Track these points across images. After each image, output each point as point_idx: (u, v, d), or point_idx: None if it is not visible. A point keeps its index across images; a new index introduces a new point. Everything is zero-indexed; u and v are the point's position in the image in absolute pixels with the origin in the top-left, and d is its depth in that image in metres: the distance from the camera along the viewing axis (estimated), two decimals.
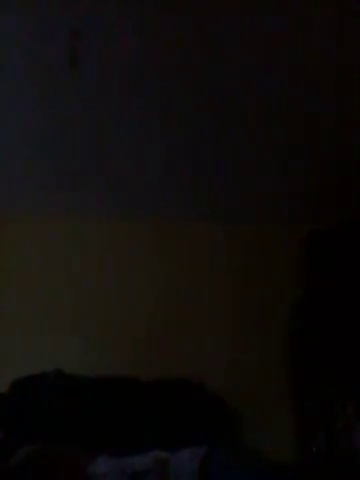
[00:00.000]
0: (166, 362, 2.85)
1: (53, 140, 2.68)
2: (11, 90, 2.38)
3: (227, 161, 2.87)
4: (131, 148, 2.75)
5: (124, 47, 2.16)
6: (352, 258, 2.93)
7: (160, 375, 2.68)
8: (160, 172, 2.95)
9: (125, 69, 2.27)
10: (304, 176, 2.98)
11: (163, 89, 2.38)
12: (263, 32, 2.11)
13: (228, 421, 2.72)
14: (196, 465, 1.64)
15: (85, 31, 2.04)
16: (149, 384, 2.66)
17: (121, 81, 2.33)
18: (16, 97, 2.42)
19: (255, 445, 2.37)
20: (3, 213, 3.18)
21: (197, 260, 3.25)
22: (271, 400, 2.86)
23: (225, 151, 2.80)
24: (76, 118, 2.54)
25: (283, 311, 2.98)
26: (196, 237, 3.28)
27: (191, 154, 2.81)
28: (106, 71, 2.27)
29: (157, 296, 3.11)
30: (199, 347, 3.00)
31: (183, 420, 2.50)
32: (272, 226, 3.27)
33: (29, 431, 2.27)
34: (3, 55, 2.19)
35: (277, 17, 2.05)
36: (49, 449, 1.85)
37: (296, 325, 2.96)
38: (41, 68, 2.24)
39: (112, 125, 2.59)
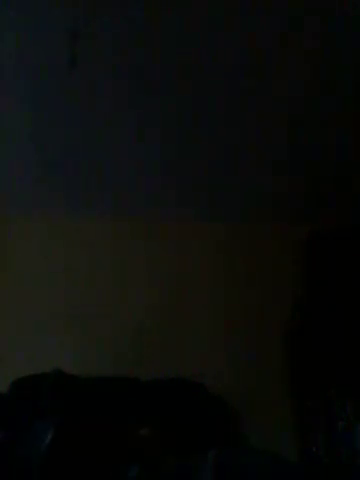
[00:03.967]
0: (166, 362, 2.85)
1: (52, 140, 2.68)
2: (10, 90, 2.38)
3: (227, 161, 2.87)
4: (131, 148, 2.75)
5: (124, 47, 2.16)
6: (352, 259, 2.93)
7: (160, 375, 2.68)
8: (159, 172, 2.95)
9: (125, 69, 2.27)
10: (304, 176, 2.98)
11: (162, 89, 2.38)
12: (262, 32, 2.11)
13: (228, 421, 2.72)
14: (208, 467, 1.63)
15: (85, 31, 2.04)
16: (149, 384, 2.66)
17: (121, 81, 2.33)
18: (15, 97, 2.41)
19: (255, 445, 2.37)
20: (2, 213, 3.18)
21: (197, 260, 3.25)
22: (271, 400, 2.86)
23: (225, 151, 2.80)
24: (76, 118, 2.54)
25: (283, 311, 2.98)
26: (196, 237, 3.28)
27: (191, 154, 2.81)
28: (106, 71, 2.27)
29: (157, 296, 3.11)
30: (199, 347, 3.00)
31: (183, 420, 2.51)
32: (272, 226, 3.27)
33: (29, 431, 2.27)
34: (2, 55, 2.19)
35: (275, 17, 2.05)
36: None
37: (296, 325, 2.96)
38: (40, 68, 2.24)
39: (112, 125, 2.59)
